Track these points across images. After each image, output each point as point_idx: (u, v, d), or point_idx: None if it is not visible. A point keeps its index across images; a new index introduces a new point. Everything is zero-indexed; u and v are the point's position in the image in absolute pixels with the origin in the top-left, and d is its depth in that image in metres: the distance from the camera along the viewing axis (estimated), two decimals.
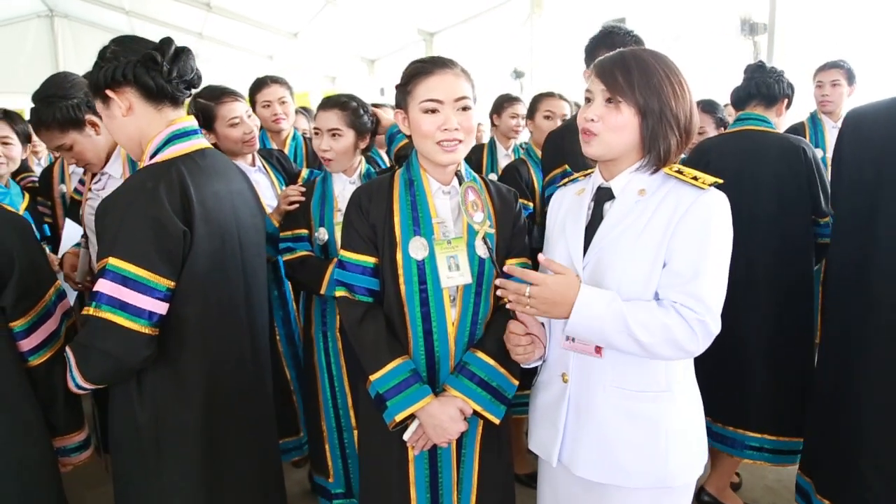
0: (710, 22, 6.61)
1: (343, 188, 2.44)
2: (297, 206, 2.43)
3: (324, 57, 13.14)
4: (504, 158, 3.90)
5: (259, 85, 3.30)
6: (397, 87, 1.68)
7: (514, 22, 9.01)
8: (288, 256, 2.39)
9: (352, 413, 2.43)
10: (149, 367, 1.52)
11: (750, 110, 2.74)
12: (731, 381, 2.64)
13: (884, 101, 1.96)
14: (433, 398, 1.61)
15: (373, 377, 1.61)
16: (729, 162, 2.62)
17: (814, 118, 3.93)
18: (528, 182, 3.39)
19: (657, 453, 1.44)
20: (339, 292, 1.69)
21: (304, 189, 2.46)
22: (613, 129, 1.41)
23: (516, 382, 1.69)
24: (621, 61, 1.41)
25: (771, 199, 2.57)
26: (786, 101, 2.74)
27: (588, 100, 1.47)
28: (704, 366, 1.67)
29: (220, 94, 2.60)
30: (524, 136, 4.02)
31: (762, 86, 2.69)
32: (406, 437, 1.63)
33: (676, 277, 1.36)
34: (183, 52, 1.58)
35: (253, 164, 2.77)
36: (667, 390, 1.45)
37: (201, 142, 1.67)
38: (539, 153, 3.40)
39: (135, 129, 1.59)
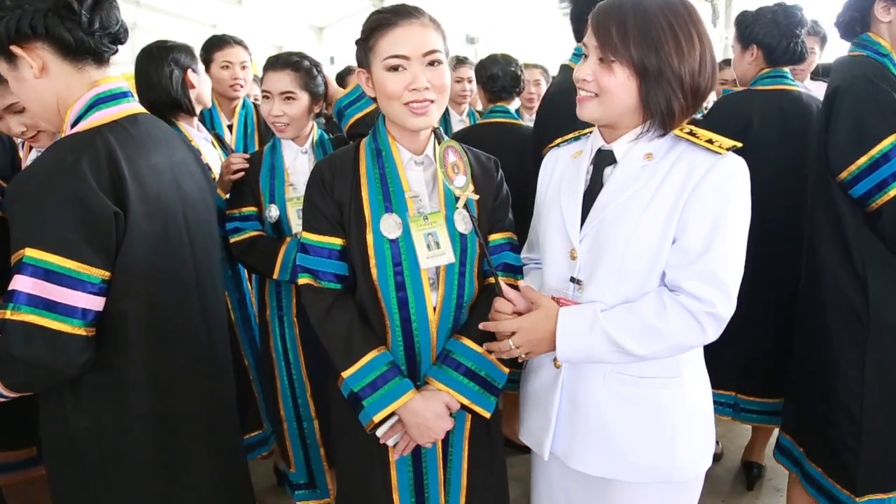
0: None
1: (294, 158, 2.22)
2: (241, 174, 2.19)
3: (270, 24, 12.66)
4: (458, 124, 3.70)
5: (219, 43, 3.00)
6: (357, 42, 1.47)
7: None
8: (236, 238, 2.17)
9: (311, 402, 2.27)
10: (84, 377, 1.30)
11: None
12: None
13: None
14: (415, 393, 1.43)
15: (345, 374, 1.43)
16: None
17: None
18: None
19: (664, 445, 1.31)
20: (303, 279, 1.50)
21: (248, 157, 2.22)
22: (607, 90, 1.24)
23: (506, 371, 1.52)
24: (618, 11, 1.22)
25: None
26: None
27: (585, 55, 1.30)
28: None
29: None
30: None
31: None
32: (381, 434, 1.45)
33: (687, 255, 1.21)
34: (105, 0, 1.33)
35: (200, 131, 2.52)
36: (675, 376, 1.31)
37: (133, 106, 1.42)
38: None
39: (50, 93, 1.33)
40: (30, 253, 1.20)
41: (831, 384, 1.94)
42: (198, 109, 2.44)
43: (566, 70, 2.33)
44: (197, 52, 2.43)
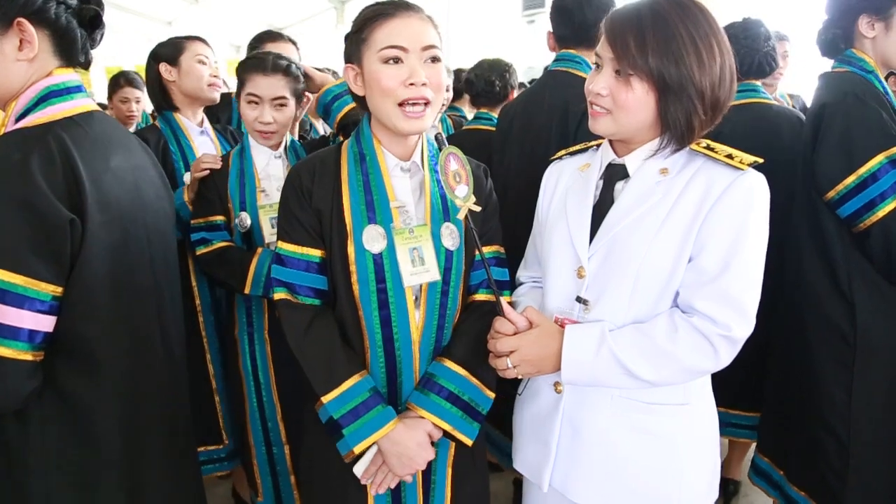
0: None
1: (267, 163, 2.07)
2: (205, 173, 2.03)
3: (228, 24, 12.39)
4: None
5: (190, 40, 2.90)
6: (348, 36, 1.36)
7: None
8: (202, 250, 2.00)
9: (281, 426, 2.12)
10: (35, 403, 1.15)
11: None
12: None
13: None
14: (398, 422, 1.33)
15: (325, 398, 1.31)
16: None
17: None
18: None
19: (671, 476, 1.23)
20: (279, 294, 1.37)
21: (220, 158, 2.07)
22: (624, 107, 1.16)
23: (492, 395, 1.42)
24: (636, 21, 1.14)
25: None
26: None
27: (597, 65, 1.21)
28: None
29: (189, 37, 2.45)
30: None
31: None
32: (359, 470, 1.34)
33: (703, 275, 1.14)
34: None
35: (200, 125, 2.42)
36: (685, 403, 1.24)
37: (88, 103, 1.27)
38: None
39: (17, 79, 1.19)
40: None
41: (816, 406, 1.90)
42: (188, 102, 2.40)
43: (573, 79, 2.20)
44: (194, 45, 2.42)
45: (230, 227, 2.05)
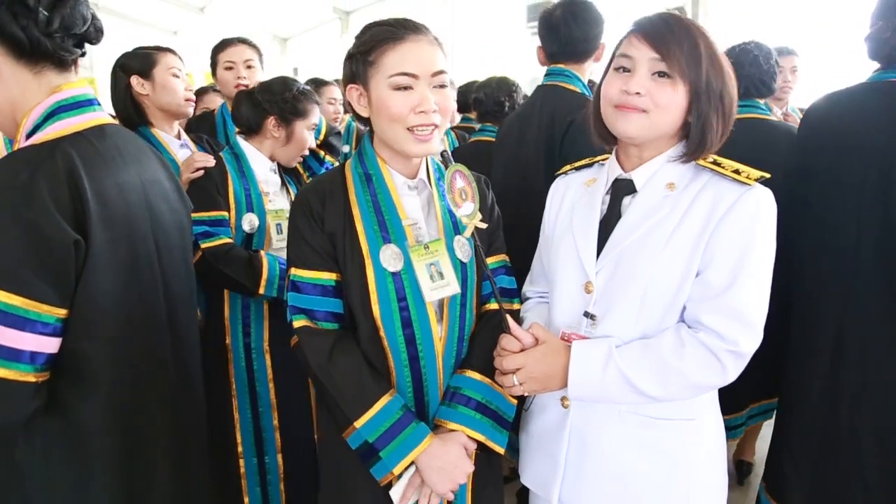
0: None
1: (266, 177, 2.11)
2: (201, 172, 2.01)
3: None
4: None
5: (223, 44, 2.86)
6: (354, 55, 1.34)
7: (434, 1, 8.76)
8: (208, 243, 1.94)
9: (277, 436, 2.11)
10: (37, 422, 1.14)
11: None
12: None
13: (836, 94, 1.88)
14: (433, 437, 1.31)
15: (358, 423, 1.28)
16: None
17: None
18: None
19: (678, 491, 1.23)
20: (299, 321, 1.35)
21: (212, 158, 2.04)
22: (665, 108, 1.16)
23: (514, 402, 1.41)
24: (667, 28, 1.16)
25: None
26: None
27: (624, 68, 1.21)
28: None
29: (159, 48, 2.33)
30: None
31: None
32: (396, 495, 1.31)
33: (710, 289, 1.14)
34: None
35: (178, 137, 2.37)
36: (692, 419, 1.23)
37: (99, 116, 1.26)
38: None
39: (4, 99, 1.17)
40: None
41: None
42: (164, 117, 2.30)
43: (570, 96, 2.21)
44: (165, 57, 2.29)
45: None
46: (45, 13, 1.12)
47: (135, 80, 2.23)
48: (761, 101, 2.60)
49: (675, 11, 1.23)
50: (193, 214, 1.91)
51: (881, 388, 1.70)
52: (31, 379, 1.08)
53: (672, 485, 1.22)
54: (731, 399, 2.55)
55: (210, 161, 2.02)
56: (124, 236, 1.22)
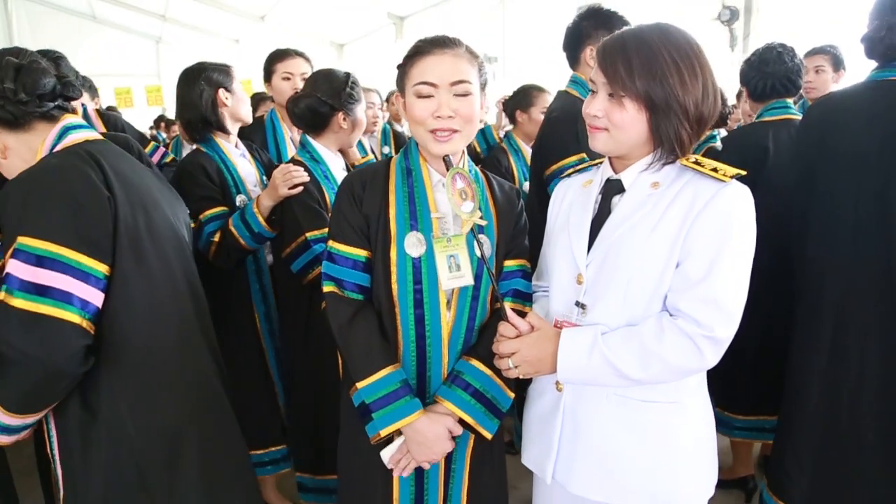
0: (687, 8, 6.53)
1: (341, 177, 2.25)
2: (299, 189, 2.10)
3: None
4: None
5: (282, 55, 3.03)
6: (397, 67, 1.54)
7: (486, 6, 8.86)
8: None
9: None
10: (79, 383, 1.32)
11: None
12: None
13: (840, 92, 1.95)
14: (422, 413, 1.47)
15: (361, 384, 1.46)
16: None
17: (803, 104, 3.85)
18: (507, 171, 3.34)
19: (664, 472, 1.32)
20: (328, 287, 1.53)
21: (304, 172, 2.13)
22: (620, 126, 1.27)
23: (512, 395, 1.55)
24: (621, 47, 1.25)
25: None
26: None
27: (593, 91, 1.33)
28: None
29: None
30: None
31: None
32: (385, 456, 1.48)
33: (688, 279, 1.23)
34: (27, 64, 1.35)
35: (237, 147, 2.54)
36: (676, 402, 1.32)
37: (97, 135, 1.49)
38: (521, 144, 3.45)
39: (22, 161, 1.39)
40: (22, 240, 1.22)
41: None
42: (234, 127, 2.47)
43: (564, 96, 2.47)
44: (235, 71, 2.47)
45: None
46: (11, 87, 1.32)
47: (222, 93, 2.38)
48: (790, 101, 2.62)
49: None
50: (308, 234, 2.05)
51: (881, 382, 1.75)
52: (78, 320, 1.24)
53: (659, 464, 1.31)
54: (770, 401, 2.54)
55: (305, 176, 2.12)
56: (139, 203, 1.44)
